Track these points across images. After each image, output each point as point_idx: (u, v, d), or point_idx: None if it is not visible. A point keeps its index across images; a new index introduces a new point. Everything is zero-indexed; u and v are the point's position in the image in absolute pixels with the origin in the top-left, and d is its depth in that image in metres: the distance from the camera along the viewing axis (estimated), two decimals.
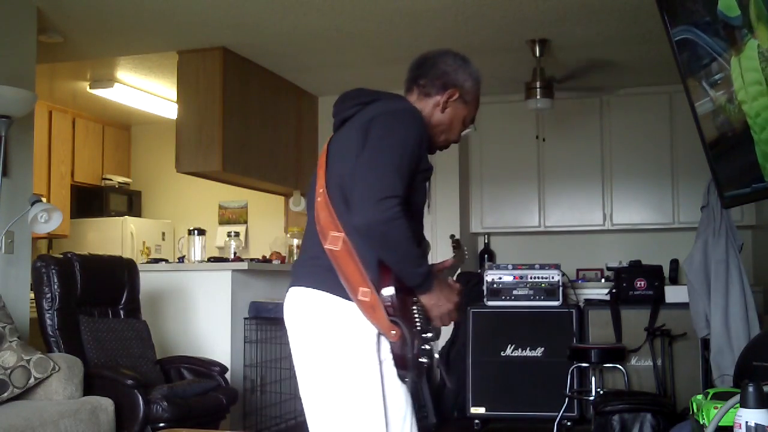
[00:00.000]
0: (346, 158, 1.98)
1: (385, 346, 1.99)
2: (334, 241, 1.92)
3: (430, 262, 2.04)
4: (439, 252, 5.51)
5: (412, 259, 1.91)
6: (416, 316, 1.97)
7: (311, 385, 1.99)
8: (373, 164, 1.90)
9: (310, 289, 1.99)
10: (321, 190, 2.00)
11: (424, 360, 1.97)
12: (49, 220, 4.11)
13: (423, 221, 2.12)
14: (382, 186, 1.86)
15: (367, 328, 1.93)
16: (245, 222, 7.45)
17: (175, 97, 5.74)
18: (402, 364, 1.93)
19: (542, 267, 5.42)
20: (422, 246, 2.05)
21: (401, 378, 1.96)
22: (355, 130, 2.01)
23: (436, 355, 2.03)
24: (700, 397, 2.26)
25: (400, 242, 1.87)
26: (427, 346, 1.99)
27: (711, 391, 2.25)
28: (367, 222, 1.85)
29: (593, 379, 4.89)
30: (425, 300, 1.98)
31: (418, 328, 1.97)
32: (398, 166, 1.89)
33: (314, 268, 1.99)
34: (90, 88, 6.33)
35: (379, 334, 1.96)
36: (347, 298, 1.93)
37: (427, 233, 2.30)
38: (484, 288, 5.44)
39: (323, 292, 1.97)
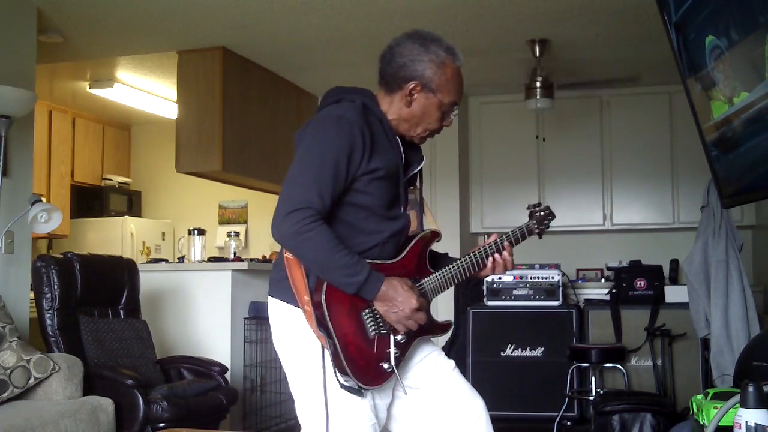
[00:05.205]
0: None
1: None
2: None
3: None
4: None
5: (338, 268, 1.85)
6: (369, 321, 1.92)
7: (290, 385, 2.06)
8: (290, 176, 1.91)
9: (271, 299, 2.04)
10: None
11: (384, 365, 1.93)
12: (49, 220, 4.10)
13: (397, 219, 2.04)
14: (293, 199, 1.85)
15: (311, 335, 1.92)
16: (245, 222, 7.45)
17: (175, 97, 5.73)
18: (339, 370, 1.88)
19: (542, 267, 5.42)
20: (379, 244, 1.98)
21: (340, 385, 1.89)
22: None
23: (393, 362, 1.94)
24: (700, 397, 2.26)
25: (316, 253, 1.85)
26: (393, 351, 1.93)
27: (711, 391, 2.25)
28: (278, 236, 1.87)
29: (593, 379, 4.89)
30: (377, 306, 1.92)
31: (372, 332, 1.92)
32: (317, 176, 1.87)
33: (276, 276, 2.04)
34: (90, 88, 6.32)
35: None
36: (298, 305, 1.95)
37: None
38: (484, 288, 5.44)
39: (280, 301, 2.01)
